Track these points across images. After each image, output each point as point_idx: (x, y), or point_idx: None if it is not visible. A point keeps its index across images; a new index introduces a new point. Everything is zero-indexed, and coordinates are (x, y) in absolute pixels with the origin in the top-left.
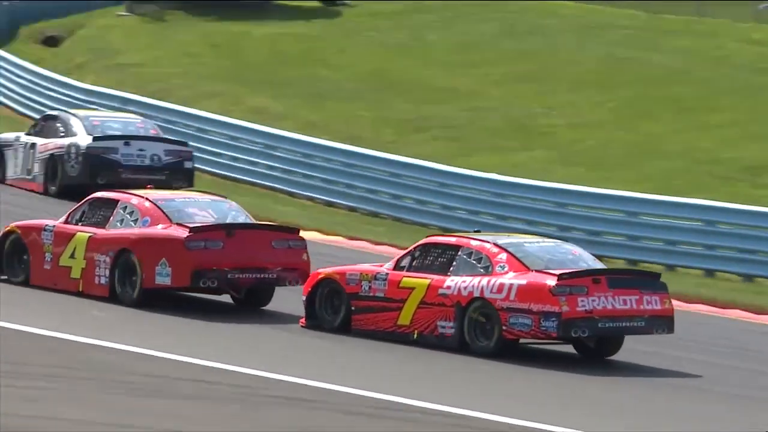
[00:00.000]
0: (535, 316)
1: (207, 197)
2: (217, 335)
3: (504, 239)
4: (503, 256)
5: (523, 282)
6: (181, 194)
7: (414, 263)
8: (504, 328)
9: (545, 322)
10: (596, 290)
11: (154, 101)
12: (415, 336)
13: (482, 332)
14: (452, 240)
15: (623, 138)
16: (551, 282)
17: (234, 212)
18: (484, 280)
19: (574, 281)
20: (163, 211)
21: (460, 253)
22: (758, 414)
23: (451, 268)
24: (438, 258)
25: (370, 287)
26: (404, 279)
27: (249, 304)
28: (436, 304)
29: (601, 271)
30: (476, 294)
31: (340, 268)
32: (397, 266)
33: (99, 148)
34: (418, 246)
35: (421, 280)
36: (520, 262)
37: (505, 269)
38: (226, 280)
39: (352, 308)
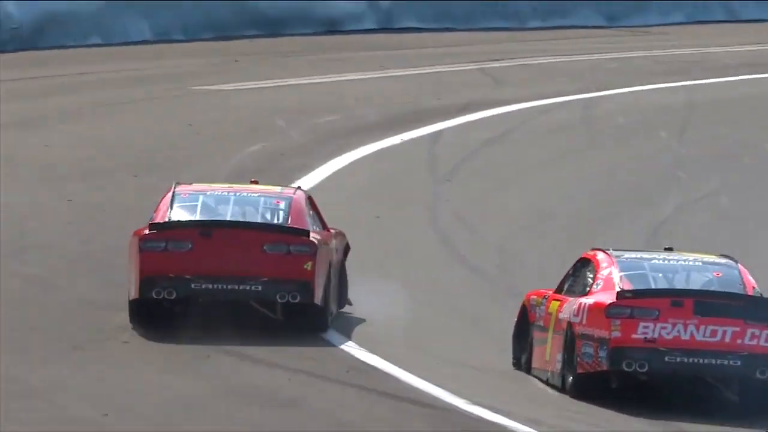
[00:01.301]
0: (595, 343)
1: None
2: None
3: (638, 254)
4: (606, 272)
5: (591, 302)
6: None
7: (566, 283)
8: (578, 359)
9: (600, 352)
10: (673, 315)
11: None
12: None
13: (569, 366)
14: (589, 254)
15: None
16: (609, 300)
17: (270, 209)
18: (577, 302)
19: (640, 302)
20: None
21: (586, 268)
22: None
23: (576, 288)
24: (576, 276)
25: (537, 314)
26: (552, 303)
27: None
28: (558, 332)
29: (687, 293)
30: (569, 319)
31: (542, 290)
32: (558, 287)
33: None
34: (576, 261)
35: (555, 304)
36: (615, 279)
37: (599, 287)
38: (187, 291)
39: (533, 342)
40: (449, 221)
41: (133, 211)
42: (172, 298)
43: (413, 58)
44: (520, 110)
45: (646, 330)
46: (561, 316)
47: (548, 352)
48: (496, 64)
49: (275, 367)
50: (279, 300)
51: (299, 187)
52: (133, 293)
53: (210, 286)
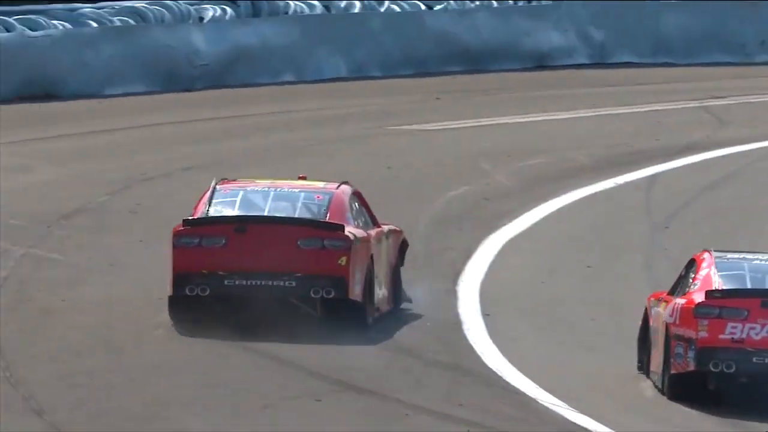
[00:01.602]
0: (685, 344)
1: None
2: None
3: (741, 255)
4: (704, 272)
5: (683, 302)
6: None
7: (678, 284)
8: (672, 360)
9: (689, 352)
10: (762, 316)
11: None
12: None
13: (666, 367)
14: (696, 254)
15: None
16: (699, 300)
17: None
18: (674, 302)
19: (729, 301)
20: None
21: (690, 269)
22: None
23: (680, 289)
24: (682, 277)
25: (653, 316)
26: (661, 304)
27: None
28: (661, 334)
29: None
30: (666, 319)
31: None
32: (671, 288)
33: None
34: (687, 262)
35: (662, 305)
36: (711, 278)
37: (695, 287)
38: (220, 288)
39: (650, 344)
40: (667, 272)
41: None
42: (206, 294)
43: (628, 96)
44: (745, 152)
45: (734, 330)
46: (663, 317)
47: (657, 354)
48: (719, 102)
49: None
50: (313, 295)
51: (345, 182)
52: (169, 290)
53: (244, 282)
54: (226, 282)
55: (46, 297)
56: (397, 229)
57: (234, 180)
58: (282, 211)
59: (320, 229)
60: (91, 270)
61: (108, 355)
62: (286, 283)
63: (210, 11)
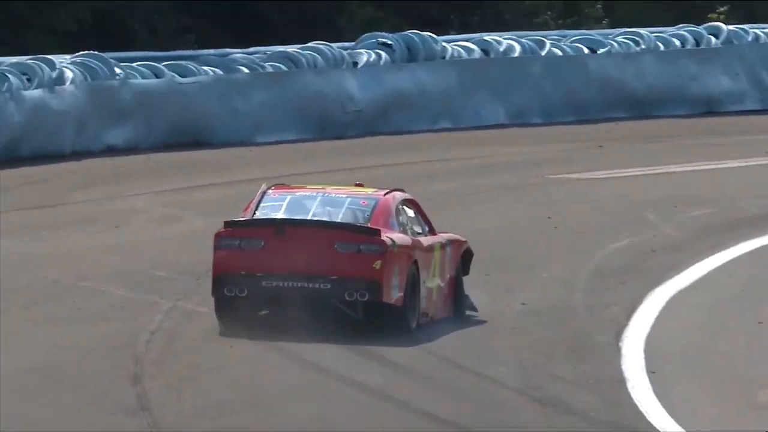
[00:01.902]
0: None
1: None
2: None
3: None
4: None
5: None
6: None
7: None
8: None
9: None
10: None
11: None
12: None
13: None
14: None
15: None
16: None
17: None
18: None
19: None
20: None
21: None
22: None
23: None
24: None
25: None
26: None
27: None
28: None
29: None
30: None
31: None
32: None
33: None
34: None
35: None
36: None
37: None
38: (259, 290)
39: None
40: None
41: None
42: (243, 295)
43: None
44: None
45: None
46: None
47: None
48: None
49: None
50: (347, 298)
51: (399, 189)
52: (211, 290)
53: (280, 284)
54: (263, 283)
55: (194, 351)
56: (460, 239)
57: (288, 185)
58: (325, 215)
59: (356, 233)
60: (236, 325)
61: (258, 412)
62: (322, 285)
63: (364, 56)
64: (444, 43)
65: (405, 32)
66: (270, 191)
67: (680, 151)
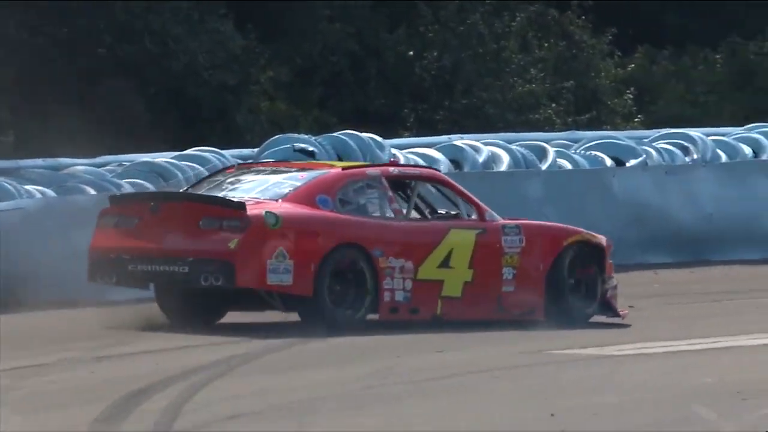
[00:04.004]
0: None
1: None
2: None
3: None
4: None
5: None
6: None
7: None
8: None
9: None
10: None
11: None
12: None
13: None
14: None
15: None
16: None
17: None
18: None
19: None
20: None
21: None
22: None
23: None
24: None
25: None
26: None
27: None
28: None
29: None
30: None
31: None
32: None
33: None
34: None
35: None
36: None
37: None
38: (126, 276)
39: None
40: None
41: None
42: (113, 282)
43: None
44: None
45: None
46: None
47: None
48: None
49: None
50: (203, 283)
51: (429, 167)
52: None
53: (146, 268)
54: (129, 267)
55: None
56: (563, 228)
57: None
58: (250, 193)
59: (223, 208)
60: None
61: None
62: (180, 268)
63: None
64: (394, 150)
65: (335, 134)
66: (228, 170)
67: (750, 314)
